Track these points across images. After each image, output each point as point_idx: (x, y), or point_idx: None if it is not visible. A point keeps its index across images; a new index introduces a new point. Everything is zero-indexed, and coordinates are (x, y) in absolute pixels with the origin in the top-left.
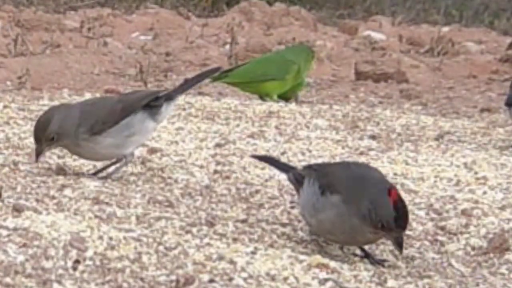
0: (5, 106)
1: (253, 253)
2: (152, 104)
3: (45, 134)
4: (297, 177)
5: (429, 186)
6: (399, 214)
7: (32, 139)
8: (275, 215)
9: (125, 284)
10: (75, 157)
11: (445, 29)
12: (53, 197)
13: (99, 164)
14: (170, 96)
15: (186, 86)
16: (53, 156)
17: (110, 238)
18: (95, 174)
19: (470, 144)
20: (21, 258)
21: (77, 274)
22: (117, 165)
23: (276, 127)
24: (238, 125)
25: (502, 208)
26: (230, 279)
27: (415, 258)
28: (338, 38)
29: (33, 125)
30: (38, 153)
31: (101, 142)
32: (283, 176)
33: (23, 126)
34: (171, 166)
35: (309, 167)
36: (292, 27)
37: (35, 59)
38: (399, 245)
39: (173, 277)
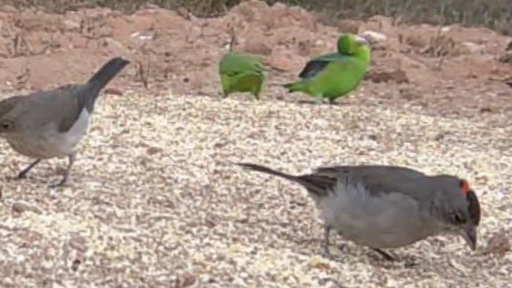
0: None
1: (253, 253)
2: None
3: (1, 119)
4: (321, 180)
5: None
6: (472, 205)
7: None
8: (275, 215)
9: (125, 284)
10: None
11: (445, 29)
12: (53, 197)
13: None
14: (97, 92)
15: (105, 80)
16: None
17: (110, 238)
18: (21, 175)
19: (470, 144)
20: (21, 258)
21: (77, 274)
22: (69, 164)
23: (276, 127)
24: (238, 125)
25: (502, 208)
26: (230, 279)
27: (415, 258)
28: (338, 38)
29: None
30: None
31: (67, 140)
32: None
33: None
34: (171, 166)
35: (332, 170)
36: (292, 27)
37: (35, 59)
38: (471, 238)
39: (173, 277)
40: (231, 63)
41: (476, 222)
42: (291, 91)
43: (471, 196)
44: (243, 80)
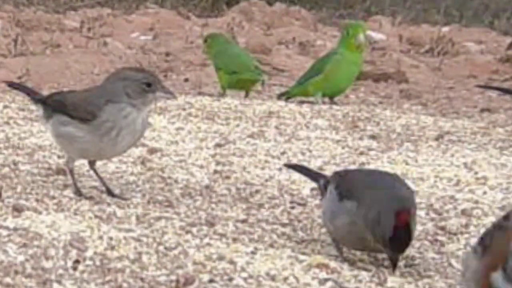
0: (5, 106)
1: (253, 253)
2: None
3: None
4: (325, 184)
5: (429, 186)
6: (395, 238)
7: (31, 139)
8: (275, 215)
9: (125, 284)
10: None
11: (445, 29)
12: (53, 197)
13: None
14: None
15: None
16: (53, 156)
17: (110, 238)
18: (109, 192)
19: (470, 144)
20: (21, 258)
21: (77, 274)
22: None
23: (276, 127)
24: (238, 125)
25: (502, 208)
26: (230, 279)
27: (415, 258)
28: (338, 38)
29: (32, 124)
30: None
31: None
32: (283, 176)
33: (23, 126)
34: (171, 166)
35: (337, 173)
36: (292, 27)
37: (35, 59)
38: (392, 263)
39: (173, 277)
40: (229, 61)
41: (398, 253)
42: (287, 99)
43: (399, 230)
44: (242, 80)
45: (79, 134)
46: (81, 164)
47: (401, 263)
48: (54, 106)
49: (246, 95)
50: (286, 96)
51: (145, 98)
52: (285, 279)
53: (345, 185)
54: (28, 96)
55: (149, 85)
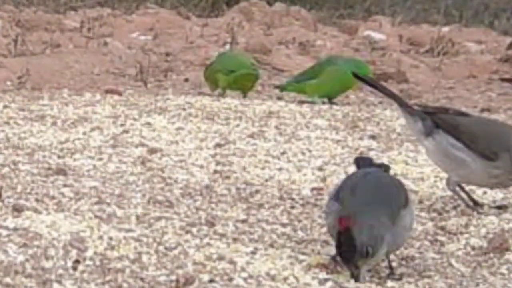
0: (5, 106)
1: (253, 253)
2: None
3: None
4: None
5: (429, 186)
6: (339, 244)
7: (31, 139)
8: (275, 215)
9: (125, 284)
10: (75, 157)
11: (445, 29)
12: (53, 197)
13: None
14: None
15: None
16: (53, 156)
17: (110, 238)
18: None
19: None
20: (21, 258)
21: (77, 274)
22: None
23: (276, 127)
24: (238, 125)
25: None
26: (230, 279)
27: (415, 258)
28: (338, 38)
29: (32, 124)
30: None
31: None
32: (283, 176)
33: (23, 126)
34: (171, 166)
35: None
36: (292, 27)
37: (35, 59)
38: (352, 276)
39: (173, 277)
40: (227, 62)
41: (344, 262)
42: (282, 90)
43: (341, 237)
44: (239, 78)
45: (473, 165)
46: (81, 164)
47: (401, 263)
48: (440, 124)
49: (244, 95)
50: (281, 89)
51: None
52: (285, 279)
53: (340, 185)
54: (398, 104)
55: None
